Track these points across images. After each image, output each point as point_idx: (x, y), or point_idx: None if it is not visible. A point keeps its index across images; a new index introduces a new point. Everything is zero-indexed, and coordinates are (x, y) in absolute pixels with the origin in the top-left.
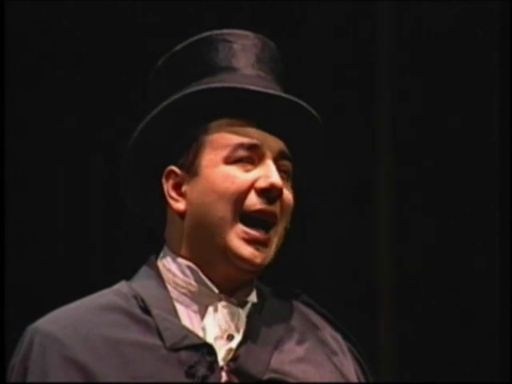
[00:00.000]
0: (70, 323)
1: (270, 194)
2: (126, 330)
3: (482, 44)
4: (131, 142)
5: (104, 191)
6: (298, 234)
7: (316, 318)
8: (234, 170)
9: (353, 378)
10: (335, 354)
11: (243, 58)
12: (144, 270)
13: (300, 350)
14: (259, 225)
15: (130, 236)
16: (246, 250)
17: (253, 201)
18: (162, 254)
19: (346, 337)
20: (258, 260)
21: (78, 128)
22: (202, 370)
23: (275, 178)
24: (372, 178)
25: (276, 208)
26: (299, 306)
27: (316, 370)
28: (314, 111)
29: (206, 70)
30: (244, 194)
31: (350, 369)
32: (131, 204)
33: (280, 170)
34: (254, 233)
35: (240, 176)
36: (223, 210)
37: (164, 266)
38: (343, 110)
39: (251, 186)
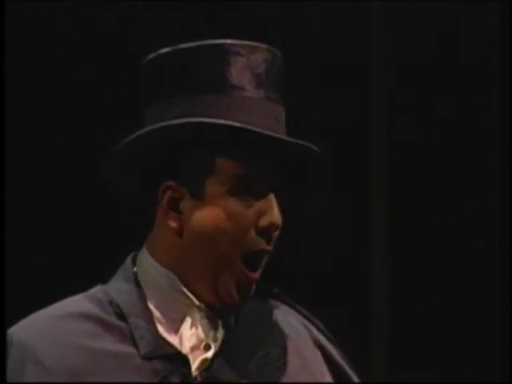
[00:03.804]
0: (44, 330)
1: (269, 230)
2: (99, 339)
3: (482, 44)
4: (125, 142)
5: (104, 191)
6: (293, 234)
7: (296, 321)
8: (236, 205)
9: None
10: (312, 359)
11: (254, 76)
12: (121, 274)
13: (277, 359)
14: (254, 262)
15: (130, 235)
16: (237, 292)
17: (254, 241)
18: (141, 257)
19: (329, 339)
20: (245, 300)
21: (78, 127)
22: (175, 381)
23: (275, 216)
24: (370, 177)
25: (272, 245)
26: (278, 306)
27: (291, 378)
28: (322, 154)
29: (216, 85)
30: (246, 233)
31: (324, 376)
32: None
33: None
34: (252, 275)
35: (243, 214)
36: (223, 250)
37: (144, 269)
38: (340, 110)
39: (252, 224)
